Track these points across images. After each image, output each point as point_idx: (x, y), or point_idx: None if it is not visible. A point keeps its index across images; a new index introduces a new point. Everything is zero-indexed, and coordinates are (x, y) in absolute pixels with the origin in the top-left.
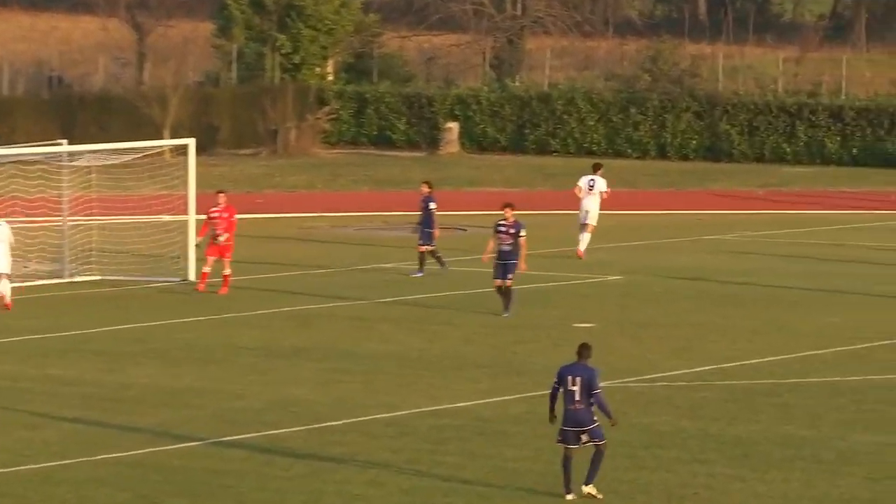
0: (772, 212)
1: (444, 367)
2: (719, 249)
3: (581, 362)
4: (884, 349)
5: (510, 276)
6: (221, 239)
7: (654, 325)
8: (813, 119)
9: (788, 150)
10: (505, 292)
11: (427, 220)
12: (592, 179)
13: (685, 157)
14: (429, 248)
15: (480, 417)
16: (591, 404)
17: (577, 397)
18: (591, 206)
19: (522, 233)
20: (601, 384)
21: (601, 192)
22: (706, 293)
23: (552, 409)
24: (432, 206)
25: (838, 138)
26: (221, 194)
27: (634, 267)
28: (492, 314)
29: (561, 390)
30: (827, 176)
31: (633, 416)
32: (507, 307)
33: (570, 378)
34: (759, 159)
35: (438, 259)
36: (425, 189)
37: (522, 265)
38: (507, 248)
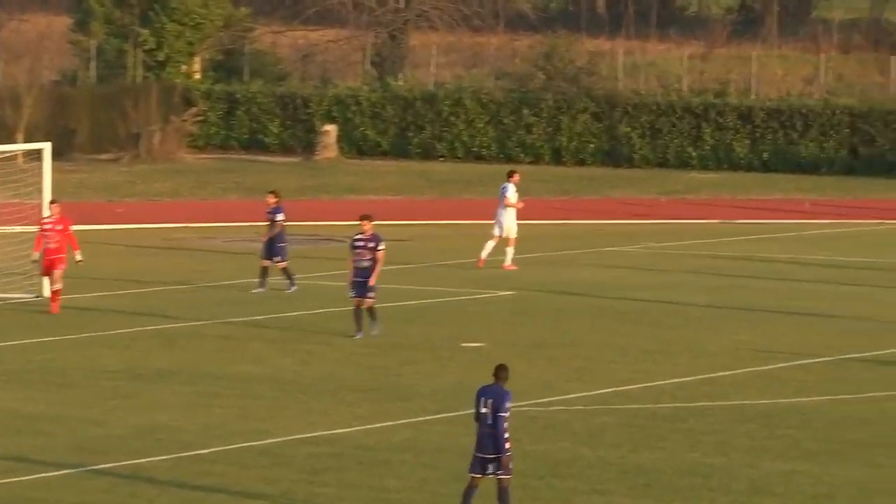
0: (676, 221)
1: (321, 390)
2: (619, 263)
3: (497, 384)
4: (796, 369)
5: (371, 294)
6: (52, 247)
7: (549, 344)
8: (720, 121)
9: (694, 154)
10: (368, 312)
11: (277, 234)
12: (504, 187)
13: (582, 163)
14: (281, 263)
15: (361, 445)
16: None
17: (489, 421)
18: (503, 218)
19: (381, 246)
20: (509, 408)
21: (505, 201)
22: (606, 310)
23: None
24: (280, 217)
25: (747, 142)
26: (54, 204)
27: (528, 281)
28: (367, 333)
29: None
30: (735, 182)
31: (526, 443)
32: (373, 323)
33: (482, 400)
34: (663, 164)
35: (289, 276)
36: (271, 200)
37: (372, 280)
38: (365, 263)
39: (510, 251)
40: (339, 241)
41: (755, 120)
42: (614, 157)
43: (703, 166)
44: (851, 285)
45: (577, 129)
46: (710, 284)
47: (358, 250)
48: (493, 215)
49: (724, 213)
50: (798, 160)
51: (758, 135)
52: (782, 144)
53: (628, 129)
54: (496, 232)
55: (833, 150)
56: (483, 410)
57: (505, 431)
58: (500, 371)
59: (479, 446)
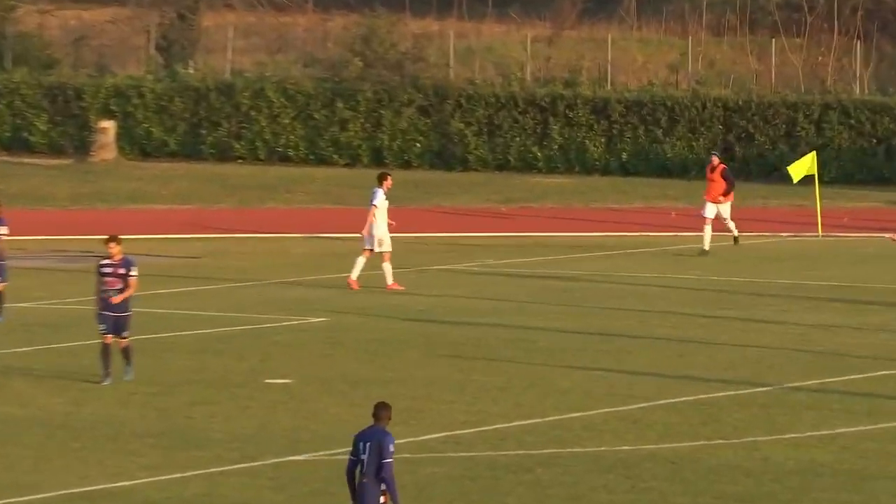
0: (519, 234)
1: (98, 436)
2: (452, 283)
3: (377, 425)
4: (663, 409)
5: (126, 332)
6: None
7: (369, 381)
8: (570, 116)
9: (539, 155)
10: (123, 353)
11: None
12: (374, 192)
13: (407, 165)
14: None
15: (147, 500)
16: (380, 480)
17: (365, 468)
18: (375, 230)
19: (133, 272)
20: (392, 454)
21: (371, 209)
22: (436, 339)
23: (352, 492)
24: (2, 231)
25: (603, 140)
26: None
27: (344, 305)
28: (157, 368)
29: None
30: (589, 188)
31: (342, 499)
32: (128, 367)
33: (361, 444)
34: (503, 167)
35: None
36: None
37: (118, 297)
38: (115, 293)
39: (388, 268)
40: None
41: (612, 115)
42: (445, 158)
43: (551, 169)
44: (727, 309)
45: (402, 126)
46: (561, 309)
47: (106, 278)
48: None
49: (575, 226)
50: (662, 162)
51: (615, 132)
52: (644, 143)
53: (461, 125)
54: (366, 246)
55: (703, 150)
56: (362, 457)
57: (392, 480)
58: (381, 411)
59: (359, 500)
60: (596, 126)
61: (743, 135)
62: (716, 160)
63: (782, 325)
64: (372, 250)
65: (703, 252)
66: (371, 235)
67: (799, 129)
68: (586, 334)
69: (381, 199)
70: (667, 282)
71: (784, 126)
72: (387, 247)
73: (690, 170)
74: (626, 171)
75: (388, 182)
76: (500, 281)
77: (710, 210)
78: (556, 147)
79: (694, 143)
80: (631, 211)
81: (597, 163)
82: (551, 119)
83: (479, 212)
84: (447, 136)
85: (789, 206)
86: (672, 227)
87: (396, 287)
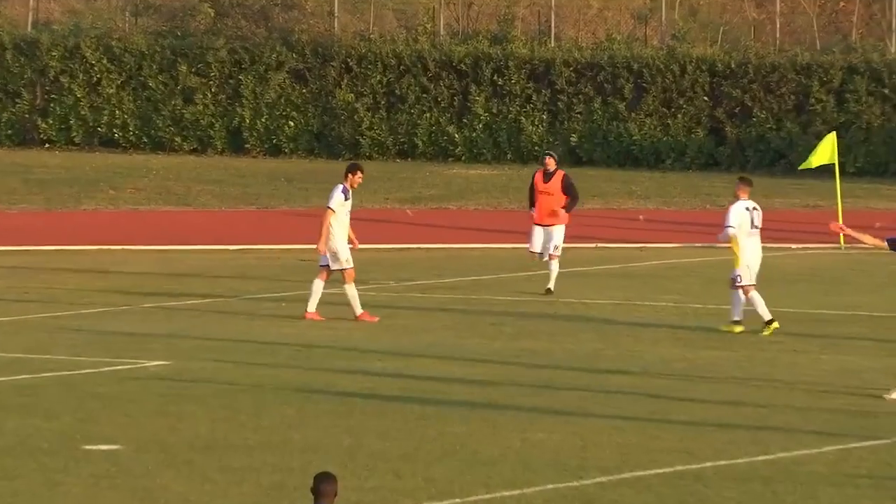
0: (431, 245)
1: None
2: (339, 311)
3: (321, 501)
4: (629, 486)
5: None
6: None
7: (225, 446)
8: (500, 84)
9: (458, 138)
10: None
11: None
12: (337, 190)
13: (276, 151)
14: None
15: None
16: None
17: None
18: (335, 241)
19: None
20: None
21: (326, 215)
22: (318, 389)
23: None
24: None
25: (544, 117)
26: None
27: (191, 345)
28: None
29: None
30: (525, 182)
31: None
32: None
33: None
34: (407, 154)
35: None
36: None
37: None
38: None
39: (352, 292)
40: None
41: (556, 82)
42: (328, 142)
43: (473, 157)
44: (715, 349)
45: (268, 98)
46: (486, 349)
47: None
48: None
49: (507, 235)
50: (626, 147)
51: (560, 106)
52: (600, 121)
53: (350, 96)
54: (322, 263)
55: (683, 131)
56: None
57: None
58: (325, 485)
59: None
60: (535, 98)
61: (737, 109)
62: (552, 163)
63: (791, 370)
64: (328, 268)
65: (548, 291)
66: (332, 249)
67: (813, 101)
68: (521, 385)
69: (338, 202)
70: (632, 311)
71: (793, 98)
72: (347, 263)
73: (664, 157)
74: (576, 159)
75: (357, 177)
76: (403, 311)
77: (537, 239)
78: (481, 127)
79: (670, 122)
80: (583, 214)
81: (536, 148)
82: (473, 88)
83: (377, 215)
84: (331, 112)
85: (801, 208)
86: (640, 234)
87: (368, 318)
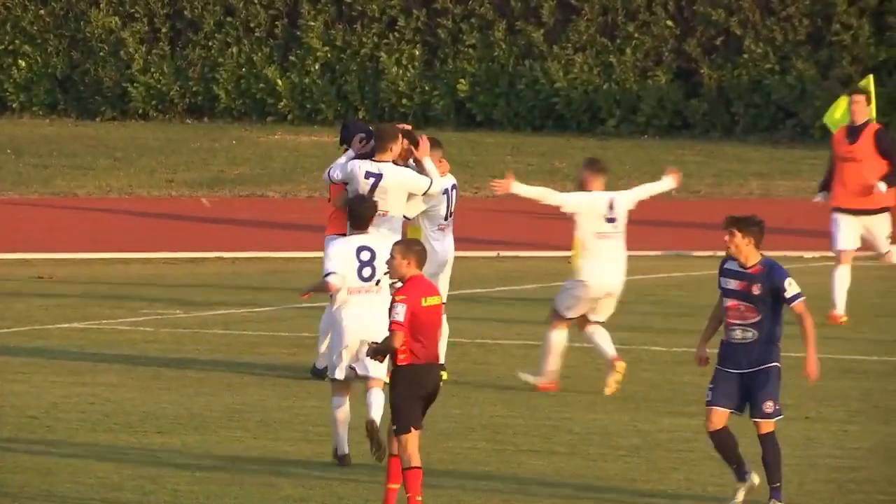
0: (249, 255)
1: None
2: (111, 359)
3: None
4: None
5: None
6: None
7: None
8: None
9: (281, 84)
10: None
11: None
12: (339, 166)
13: None
14: None
15: None
16: None
17: None
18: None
19: None
20: None
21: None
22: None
23: None
24: None
25: (415, 52)
26: None
27: None
28: None
29: None
30: None
31: None
32: None
33: None
34: (198, 109)
35: None
36: None
37: None
38: None
39: None
40: None
41: None
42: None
43: (305, 115)
44: (693, 416)
45: None
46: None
47: None
48: None
49: None
50: (546, 98)
51: (442, 35)
52: (502, 59)
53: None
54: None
55: (634, 72)
56: None
57: None
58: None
59: None
60: (402, 22)
61: (718, 41)
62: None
63: (805, 448)
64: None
65: None
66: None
67: (837, 27)
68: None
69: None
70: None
71: (806, 22)
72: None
73: (605, 116)
74: (466, 117)
75: (396, 149)
76: (203, 348)
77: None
78: (317, 68)
79: (613, 60)
80: (476, 208)
81: (404, 101)
82: (305, 7)
83: (157, 207)
84: (83, 46)
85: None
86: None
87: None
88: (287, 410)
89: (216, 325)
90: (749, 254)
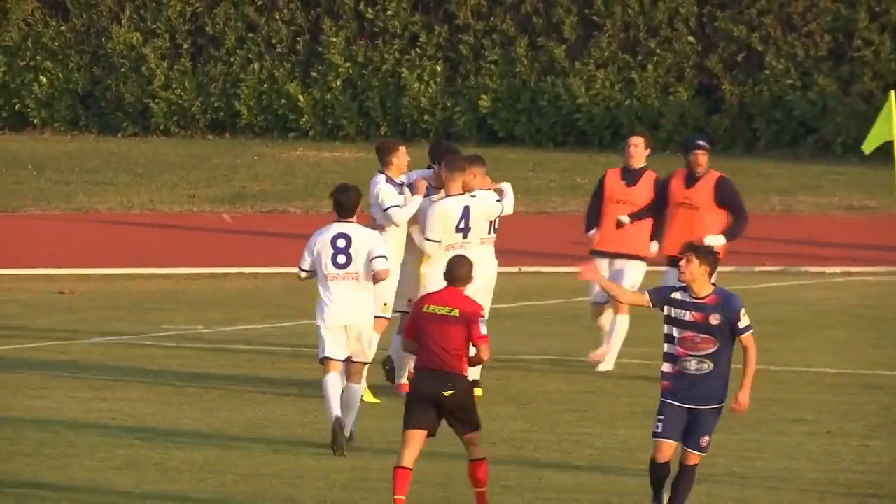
0: (262, 270)
1: None
2: (125, 375)
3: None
4: None
5: None
6: None
7: None
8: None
9: (302, 100)
10: None
11: None
12: (382, 182)
13: None
14: None
15: None
16: None
17: None
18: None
19: None
20: None
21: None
22: None
23: None
24: None
25: (437, 67)
26: None
27: None
28: None
29: None
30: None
31: None
32: None
33: None
34: (220, 125)
35: None
36: None
37: None
38: None
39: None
40: None
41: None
42: (88, 104)
43: (328, 131)
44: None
45: None
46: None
47: None
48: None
49: None
50: (569, 115)
51: (464, 52)
52: (524, 75)
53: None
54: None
55: (655, 88)
56: None
57: None
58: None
59: None
60: (424, 38)
61: (740, 57)
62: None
63: (825, 462)
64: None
65: None
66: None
67: (859, 43)
68: None
69: (388, 194)
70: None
71: (828, 38)
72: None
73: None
74: (488, 133)
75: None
76: (225, 363)
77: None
78: (339, 84)
79: (635, 76)
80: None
81: (426, 118)
82: (328, 23)
83: (178, 220)
84: (104, 62)
85: (840, 210)
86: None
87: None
88: (309, 426)
89: (238, 341)
90: (703, 283)
